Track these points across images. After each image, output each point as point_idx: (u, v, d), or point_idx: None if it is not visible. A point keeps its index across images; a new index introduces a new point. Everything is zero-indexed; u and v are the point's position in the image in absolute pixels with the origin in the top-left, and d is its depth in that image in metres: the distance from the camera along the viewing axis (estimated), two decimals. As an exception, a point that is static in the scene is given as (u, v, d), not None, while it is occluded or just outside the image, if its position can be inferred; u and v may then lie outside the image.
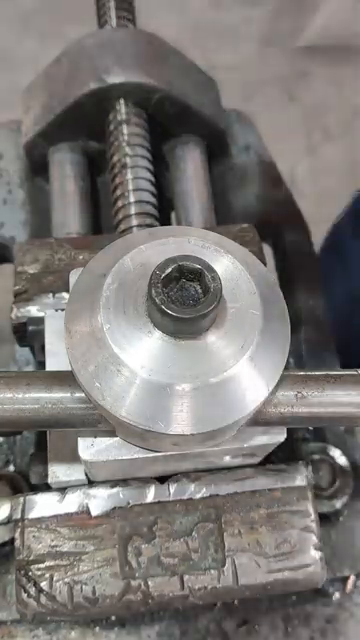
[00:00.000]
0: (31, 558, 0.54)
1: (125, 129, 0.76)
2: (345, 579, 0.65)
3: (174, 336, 0.43)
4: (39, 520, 0.55)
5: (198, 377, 0.42)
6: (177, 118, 0.81)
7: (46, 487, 0.57)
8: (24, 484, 0.64)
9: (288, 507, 0.57)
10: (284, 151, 1.13)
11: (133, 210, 0.72)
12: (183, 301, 0.43)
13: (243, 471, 0.57)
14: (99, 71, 0.77)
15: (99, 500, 0.56)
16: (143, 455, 0.49)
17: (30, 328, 0.62)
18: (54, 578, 0.54)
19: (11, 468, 0.68)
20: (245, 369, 0.43)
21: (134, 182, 0.74)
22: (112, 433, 0.48)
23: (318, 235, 0.87)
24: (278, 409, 0.46)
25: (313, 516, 0.57)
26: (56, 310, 0.61)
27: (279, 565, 0.55)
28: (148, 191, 0.74)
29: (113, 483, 0.56)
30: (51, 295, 0.63)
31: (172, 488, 0.56)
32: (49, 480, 0.55)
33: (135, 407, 0.42)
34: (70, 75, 0.79)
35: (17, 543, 0.55)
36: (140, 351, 0.42)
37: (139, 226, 0.71)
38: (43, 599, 0.53)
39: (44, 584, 0.54)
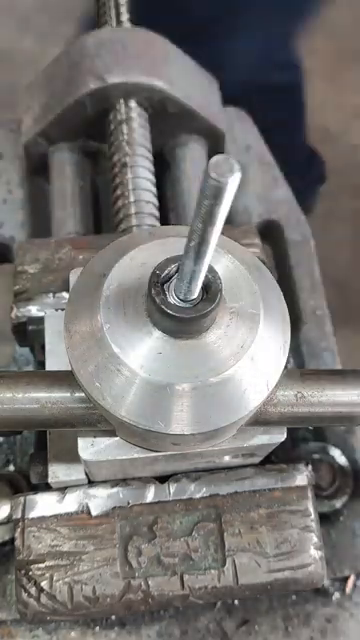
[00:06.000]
0: (31, 558, 0.54)
1: (125, 129, 0.76)
2: (345, 579, 0.65)
3: (174, 336, 0.43)
4: (39, 520, 0.55)
5: (198, 377, 0.42)
6: (177, 118, 0.81)
7: (46, 487, 0.57)
8: (24, 484, 0.64)
9: (288, 507, 0.57)
10: (284, 151, 1.12)
11: (133, 210, 0.72)
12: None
13: (243, 471, 0.57)
14: (99, 71, 0.77)
15: (99, 500, 0.56)
16: (143, 455, 0.49)
17: (30, 328, 0.62)
18: (54, 578, 0.54)
19: (11, 468, 0.68)
20: (245, 369, 0.43)
21: (134, 182, 0.74)
22: (112, 433, 0.48)
23: (318, 235, 0.87)
24: (278, 409, 0.46)
25: (313, 516, 0.57)
26: (56, 310, 0.61)
27: (279, 565, 0.55)
28: (148, 191, 0.74)
29: (113, 483, 0.56)
30: (51, 295, 0.63)
31: (172, 488, 0.56)
32: (49, 480, 0.55)
33: (135, 407, 0.42)
34: (70, 75, 0.79)
35: (17, 543, 0.55)
36: (140, 351, 0.42)
37: (139, 226, 0.71)
38: (43, 599, 0.53)
39: (44, 584, 0.54)
